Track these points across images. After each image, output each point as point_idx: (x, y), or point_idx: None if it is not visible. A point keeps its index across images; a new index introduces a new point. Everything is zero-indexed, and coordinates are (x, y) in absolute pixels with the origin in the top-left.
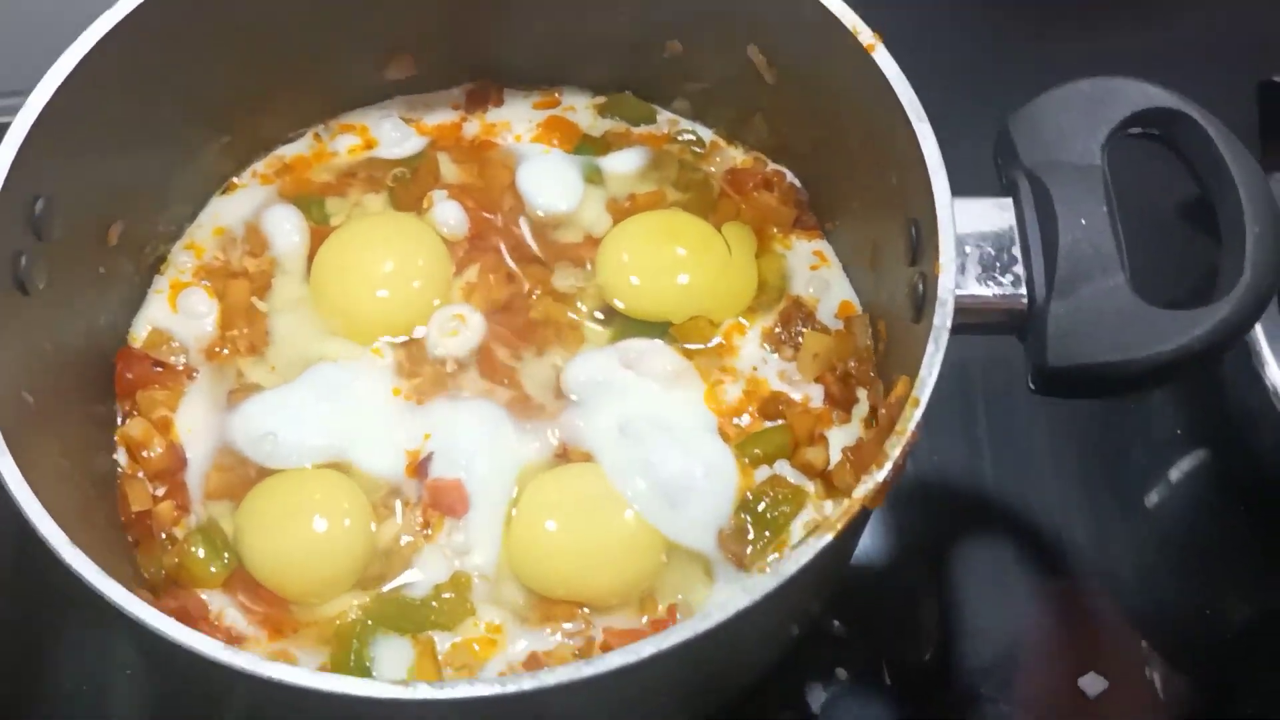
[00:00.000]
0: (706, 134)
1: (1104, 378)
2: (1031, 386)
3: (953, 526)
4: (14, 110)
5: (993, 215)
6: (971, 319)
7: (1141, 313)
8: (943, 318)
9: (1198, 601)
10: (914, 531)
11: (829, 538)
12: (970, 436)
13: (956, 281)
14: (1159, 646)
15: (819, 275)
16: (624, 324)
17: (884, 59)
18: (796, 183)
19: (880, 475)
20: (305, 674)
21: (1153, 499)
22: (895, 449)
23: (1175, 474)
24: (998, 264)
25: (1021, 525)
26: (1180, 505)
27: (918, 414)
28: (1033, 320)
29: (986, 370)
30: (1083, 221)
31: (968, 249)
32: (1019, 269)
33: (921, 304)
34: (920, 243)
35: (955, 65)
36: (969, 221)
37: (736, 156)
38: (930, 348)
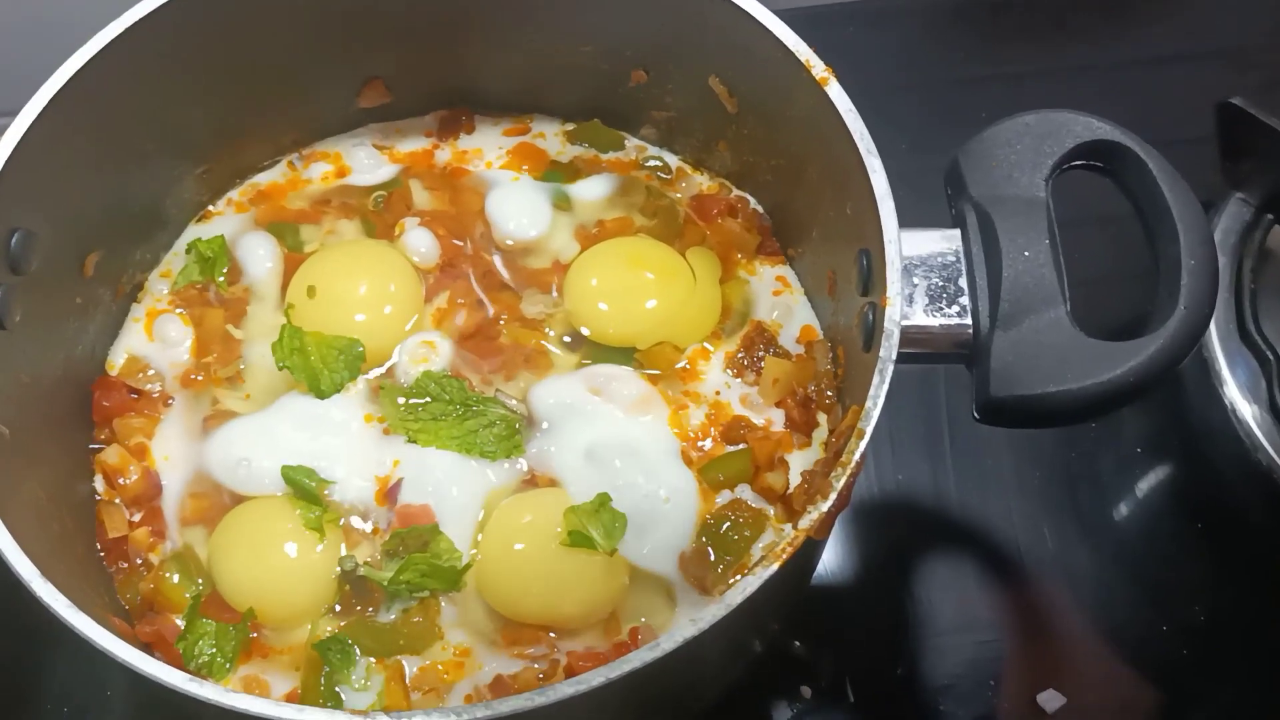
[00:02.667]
0: (673, 160)
1: (1042, 409)
2: (976, 416)
3: (917, 543)
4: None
5: (941, 247)
6: (919, 349)
7: (1079, 344)
8: (888, 350)
9: (1156, 616)
10: (878, 548)
11: (774, 567)
12: (934, 454)
13: (904, 312)
14: (1117, 662)
15: (782, 301)
16: (591, 349)
17: (836, 93)
18: (760, 209)
19: (825, 506)
20: (267, 704)
21: (1114, 515)
22: (840, 480)
23: (1137, 490)
24: (945, 295)
25: (984, 542)
26: (1140, 521)
27: (862, 445)
28: (978, 351)
29: (950, 389)
30: (1026, 254)
31: (915, 280)
32: (965, 300)
33: (871, 334)
34: (871, 273)
35: (918, 91)
36: (918, 252)
37: (702, 183)
38: (876, 379)
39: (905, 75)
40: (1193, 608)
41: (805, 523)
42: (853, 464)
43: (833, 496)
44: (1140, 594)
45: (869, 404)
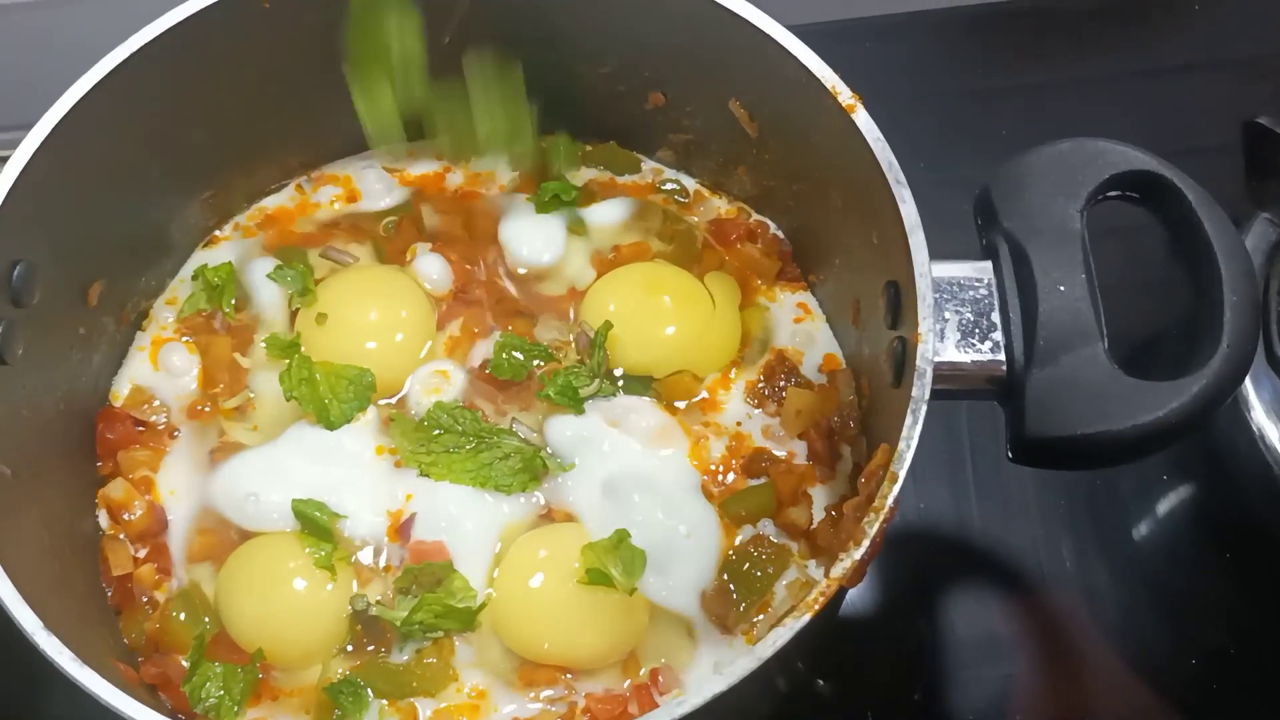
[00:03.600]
0: (690, 184)
1: (1082, 450)
2: (1010, 456)
3: (939, 573)
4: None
5: (972, 278)
6: (951, 385)
7: (1119, 383)
8: (921, 390)
9: (1184, 645)
10: (900, 579)
11: (806, 618)
12: (956, 481)
13: (935, 349)
14: (1144, 692)
15: (803, 328)
16: (609, 378)
17: (864, 120)
18: (780, 234)
19: (857, 554)
20: None
21: (1140, 541)
22: (872, 526)
23: (1163, 515)
24: (977, 330)
25: (1008, 571)
26: (1166, 546)
27: (895, 489)
28: (1011, 389)
29: (972, 416)
30: (1061, 289)
31: (947, 315)
32: (998, 335)
33: (901, 369)
34: (900, 306)
35: (934, 105)
36: (948, 285)
37: (720, 207)
38: (909, 420)
39: (921, 89)
40: (1221, 637)
41: (838, 571)
42: (885, 509)
43: (866, 543)
44: (1167, 622)
45: (901, 445)
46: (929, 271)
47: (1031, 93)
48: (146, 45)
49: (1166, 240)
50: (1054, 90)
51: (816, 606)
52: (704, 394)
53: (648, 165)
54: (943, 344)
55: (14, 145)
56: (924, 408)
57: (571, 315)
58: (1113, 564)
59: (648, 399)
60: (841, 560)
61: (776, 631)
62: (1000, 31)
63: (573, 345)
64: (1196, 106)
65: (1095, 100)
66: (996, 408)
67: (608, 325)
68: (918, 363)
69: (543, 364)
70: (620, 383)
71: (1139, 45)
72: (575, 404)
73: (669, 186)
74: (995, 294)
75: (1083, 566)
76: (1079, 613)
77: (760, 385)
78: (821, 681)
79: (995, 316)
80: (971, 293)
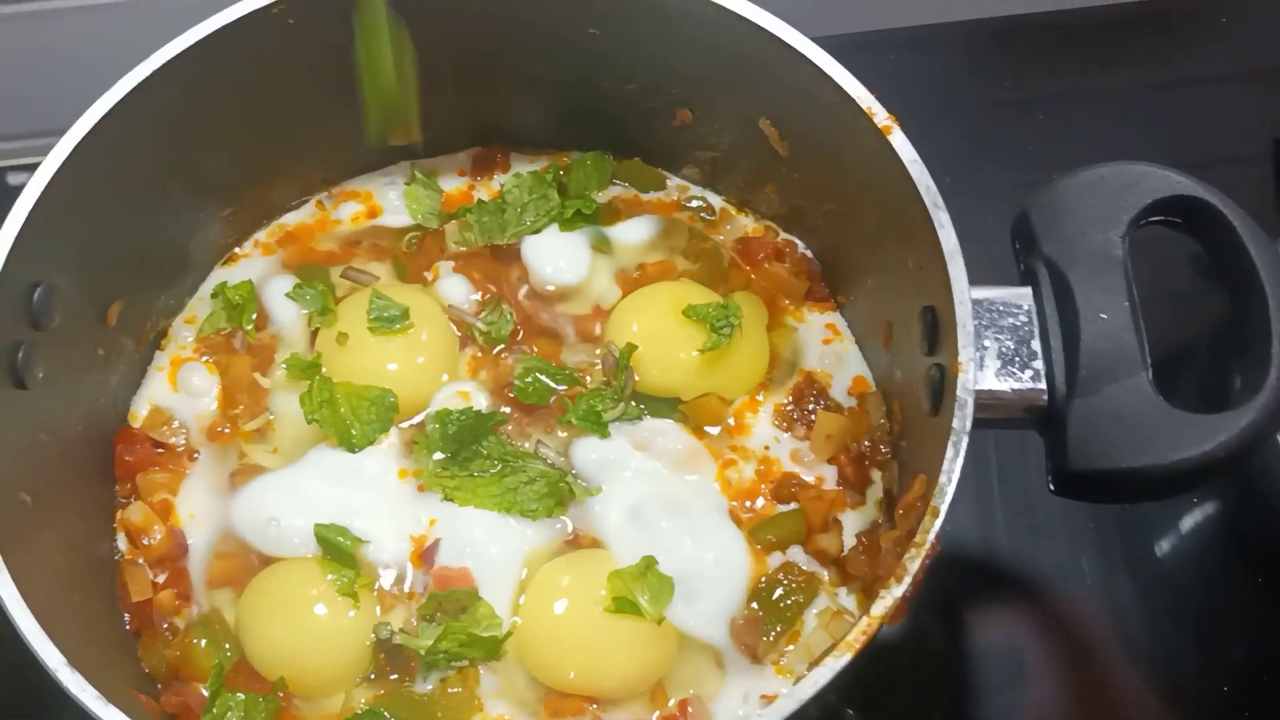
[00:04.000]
0: (716, 201)
1: (1126, 484)
2: (1051, 488)
3: (967, 597)
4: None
5: (1012, 305)
6: (989, 414)
7: (1164, 415)
8: (962, 421)
9: (1215, 668)
10: (927, 604)
11: (847, 658)
12: (983, 504)
13: (975, 378)
14: (1174, 717)
15: (832, 349)
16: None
17: (900, 142)
18: (809, 253)
19: (899, 591)
20: None
21: (1169, 563)
22: (914, 562)
23: (1192, 536)
24: (1017, 358)
25: (1035, 594)
26: (1197, 569)
27: (937, 525)
28: (1052, 419)
29: (999, 438)
30: (1104, 316)
31: (986, 342)
32: (1038, 364)
33: (939, 397)
34: (937, 332)
35: (958, 118)
36: (987, 311)
37: (747, 225)
38: (950, 452)
39: (944, 101)
40: (1252, 661)
41: (879, 609)
42: (927, 545)
43: (907, 580)
44: (1197, 645)
45: (942, 479)
46: (969, 299)
47: (1055, 104)
48: (168, 62)
49: (1207, 264)
50: (1077, 102)
51: (858, 645)
52: (731, 419)
53: (673, 182)
54: (982, 372)
55: (36, 153)
56: (965, 440)
57: (598, 330)
58: (1141, 586)
59: (674, 422)
60: (882, 598)
61: (818, 671)
62: (1023, 44)
63: (599, 366)
64: (1222, 119)
65: (1120, 113)
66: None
67: (631, 347)
68: (958, 393)
69: (567, 388)
70: (643, 406)
71: (1162, 57)
72: (600, 428)
73: (695, 204)
74: (1035, 321)
75: (1110, 588)
76: (1107, 636)
77: (789, 408)
78: (851, 711)
79: (1035, 344)
80: (1010, 319)
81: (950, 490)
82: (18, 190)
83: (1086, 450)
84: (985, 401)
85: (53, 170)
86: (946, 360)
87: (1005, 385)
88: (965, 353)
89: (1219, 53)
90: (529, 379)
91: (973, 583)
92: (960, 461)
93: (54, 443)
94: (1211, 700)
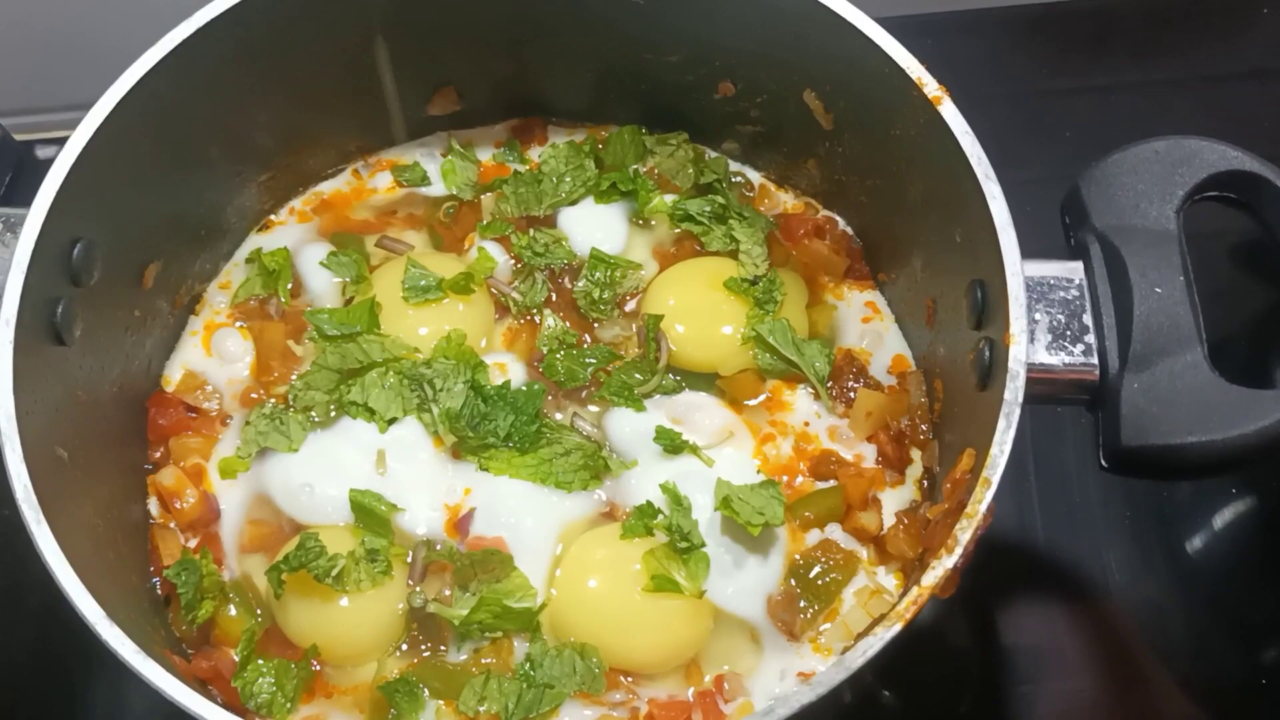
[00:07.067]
0: (756, 177)
1: (1180, 461)
2: (1104, 464)
3: (1003, 585)
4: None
5: (1063, 280)
6: (1039, 389)
7: (1221, 391)
8: (1014, 393)
9: (1252, 663)
10: (964, 589)
11: (898, 628)
12: (1020, 490)
13: (1027, 351)
14: (1210, 711)
15: (871, 328)
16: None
17: (951, 113)
18: (849, 231)
19: (950, 561)
20: None
21: (1208, 556)
22: (965, 533)
23: (1231, 528)
24: (1068, 332)
25: (1073, 583)
26: (1234, 562)
27: (989, 495)
28: (1105, 394)
29: (1036, 421)
30: (1158, 290)
31: (1037, 316)
32: (1090, 339)
33: (988, 371)
34: (986, 306)
35: (1002, 103)
36: (1038, 286)
37: (787, 201)
38: (1001, 424)
39: (989, 87)
40: None
41: (930, 579)
42: (979, 516)
43: (959, 551)
44: (1234, 640)
45: (995, 450)
46: (1021, 271)
47: (1095, 93)
48: (208, 24)
49: (1245, 256)
50: (1117, 91)
51: (909, 616)
52: (767, 393)
53: (711, 157)
54: (1033, 346)
55: (63, 126)
56: (1017, 411)
57: (632, 305)
58: (1179, 578)
59: (712, 396)
60: (933, 568)
61: (866, 641)
62: (1061, 31)
63: (634, 339)
64: (1263, 111)
65: (1166, 99)
66: (1060, 414)
67: (657, 318)
68: (1010, 365)
69: (599, 363)
70: (681, 380)
71: (1200, 48)
72: (634, 402)
73: (735, 180)
74: (1087, 295)
75: (1147, 580)
76: (1143, 628)
77: (828, 385)
78: (886, 693)
79: (1087, 319)
80: (1062, 294)
81: (1002, 461)
82: (46, 163)
83: (1140, 426)
84: (1036, 375)
85: (94, 127)
86: (997, 334)
87: (1056, 359)
88: (1017, 324)
89: (1260, 46)
90: (557, 356)
91: (1009, 571)
92: (1012, 433)
93: (90, 401)
94: (1248, 694)
